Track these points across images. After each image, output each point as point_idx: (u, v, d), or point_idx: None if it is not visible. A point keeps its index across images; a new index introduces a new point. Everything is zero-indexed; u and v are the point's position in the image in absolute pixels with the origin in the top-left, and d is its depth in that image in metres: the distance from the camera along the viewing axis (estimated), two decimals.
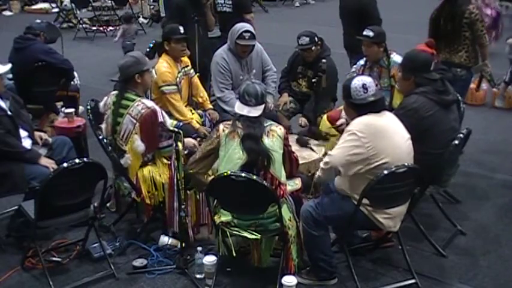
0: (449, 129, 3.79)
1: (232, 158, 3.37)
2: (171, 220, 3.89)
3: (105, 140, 3.99)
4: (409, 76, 3.82)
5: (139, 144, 3.76)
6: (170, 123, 3.95)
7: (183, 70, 4.80)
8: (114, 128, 3.85)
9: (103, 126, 3.98)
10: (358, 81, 3.36)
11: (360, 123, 3.31)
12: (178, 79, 4.70)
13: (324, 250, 3.49)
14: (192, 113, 4.83)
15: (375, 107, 3.35)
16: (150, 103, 3.83)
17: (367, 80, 3.40)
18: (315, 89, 4.92)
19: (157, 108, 3.83)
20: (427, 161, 3.48)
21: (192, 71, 4.96)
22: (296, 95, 5.33)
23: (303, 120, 5.12)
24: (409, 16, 11.22)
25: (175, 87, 4.64)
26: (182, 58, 4.82)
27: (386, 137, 3.29)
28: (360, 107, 3.36)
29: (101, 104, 4.03)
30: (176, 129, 3.59)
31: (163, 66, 4.59)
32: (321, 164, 3.44)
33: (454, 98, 3.88)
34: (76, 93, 5.96)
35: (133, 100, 3.80)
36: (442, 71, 4.47)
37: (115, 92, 3.95)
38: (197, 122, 4.74)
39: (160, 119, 3.77)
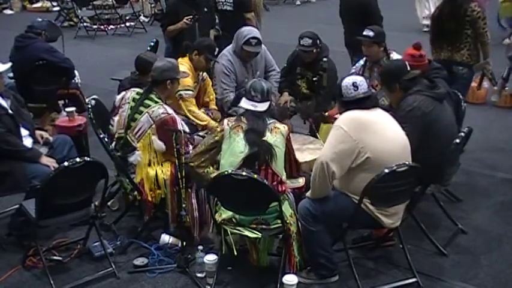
0: (448, 123, 3.84)
1: (234, 151, 3.39)
2: (174, 216, 3.90)
3: (106, 139, 3.99)
4: (394, 86, 3.84)
5: (159, 144, 3.79)
6: (188, 130, 4.01)
7: (197, 79, 4.86)
8: (129, 123, 3.87)
9: (115, 118, 4.00)
10: (348, 80, 3.42)
11: (346, 117, 3.35)
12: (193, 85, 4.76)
13: (323, 246, 3.49)
14: None
15: (364, 103, 3.37)
16: (171, 110, 3.88)
17: (357, 78, 3.45)
18: (315, 88, 4.91)
19: (177, 116, 3.88)
20: (429, 160, 3.48)
21: (204, 73, 4.98)
22: (296, 95, 5.31)
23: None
24: (410, 15, 11.19)
25: (192, 92, 4.69)
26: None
27: (373, 130, 3.31)
28: (349, 104, 3.40)
29: (118, 96, 4.07)
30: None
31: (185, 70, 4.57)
32: (314, 166, 3.39)
33: (445, 91, 3.91)
34: (76, 90, 5.95)
35: (156, 102, 3.85)
36: (437, 70, 4.46)
37: (137, 89, 3.99)
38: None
39: (179, 126, 3.79)
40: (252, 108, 3.47)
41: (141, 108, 3.85)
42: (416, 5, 10.62)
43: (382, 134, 3.33)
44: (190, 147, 3.94)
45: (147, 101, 3.87)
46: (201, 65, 4.78)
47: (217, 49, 4.93)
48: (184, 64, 4.66)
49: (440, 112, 3.77)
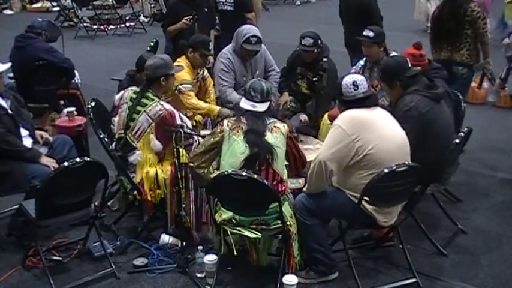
0: (447, 123, 3.83)
1: (235, 152, 3.39)
2: (173, 216, 3.89)
3: (106, 139, 4.00)
4: (395, 83, 3.83)
5: (156, 144, 3.79)
6: (190, 124, 4.00)
7: (197, 77, 4.85)
8: (127, 123, 3.88)
9: (115, 119, 4.01)
10: (348, 79, 3.42)
11: (345, 117, 3.35)
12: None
13: (318, 241, 3.49)
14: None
15: (364, 103, 3.38)
16: (168, 106, 3.87)
17: (358, 77, 3.44)
18: (315, 88, 4.91)
19: (175, 111, 3.87)
20: (428, 159, 3.48)
21: (205, 72, 4.98)
22: (296, 95, 5.31)
23: (303, 117, 5.07)
24: (410, 15, 11.20)
25: (191, 85, 4.68)
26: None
27: (373, 128, 3.31)
28: (349, 103, 3.40)
29: (117, 96, 4.08)
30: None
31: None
32: (312, 163, 3.41)
33: (444, 91, 3.91)
34: (76, 90, 5.95)
35: (152, 100, 3.85)
36: (437, 70, 4.46)
37: (134, 88, 3.99)
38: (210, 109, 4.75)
39: (178, 121, 3.78)
40: (252, 109, 3.47)
41: (139, 108, 3.85)
42: (416, 6, 10.63)
43: (382, 132, 3.33)
44: (195, 137, 3.94)
45: (144, 100, 3.87)
46: (198, 62, 4.76)
47: (214, 48, 4.94)
48: (182, 63, 4.66)
49: (439, 112, 3.77)
